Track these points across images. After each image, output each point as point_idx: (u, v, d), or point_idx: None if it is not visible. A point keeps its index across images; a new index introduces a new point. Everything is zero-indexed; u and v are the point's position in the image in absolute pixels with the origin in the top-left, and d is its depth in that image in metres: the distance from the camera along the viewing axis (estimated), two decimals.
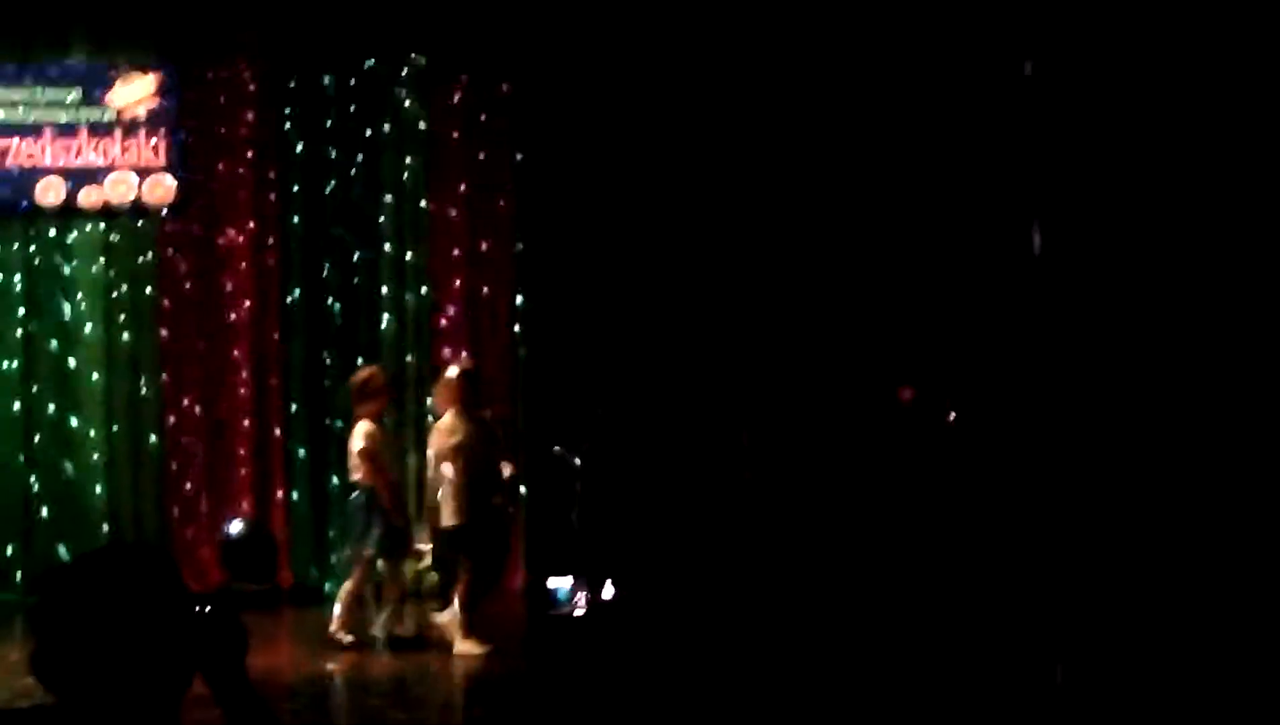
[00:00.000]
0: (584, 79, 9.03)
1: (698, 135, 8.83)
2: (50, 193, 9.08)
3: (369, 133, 9.40)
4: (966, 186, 8.43)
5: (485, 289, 9.45)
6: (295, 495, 9.30)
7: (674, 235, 8.91)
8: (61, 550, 8.98)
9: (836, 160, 8.70)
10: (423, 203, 9.45)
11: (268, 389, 9.32)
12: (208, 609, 2.44)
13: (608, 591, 7.88)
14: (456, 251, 9.45)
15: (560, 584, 8.07)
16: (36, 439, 9.20)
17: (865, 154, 8.66)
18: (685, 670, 6.27)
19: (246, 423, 9.27)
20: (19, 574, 9.04)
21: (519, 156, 9.35)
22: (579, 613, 7.94)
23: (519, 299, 9.42)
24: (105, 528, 9.03)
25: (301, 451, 9.31)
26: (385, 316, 9.39)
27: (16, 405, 9.16)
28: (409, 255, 9.42)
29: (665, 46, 8.82)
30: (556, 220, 9.20)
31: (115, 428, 9.22)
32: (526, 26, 9.13)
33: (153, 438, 9.26)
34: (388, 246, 9.42)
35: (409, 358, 9.38)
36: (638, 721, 5.22)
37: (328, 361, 9.35)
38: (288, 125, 9.35)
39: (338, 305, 9.40)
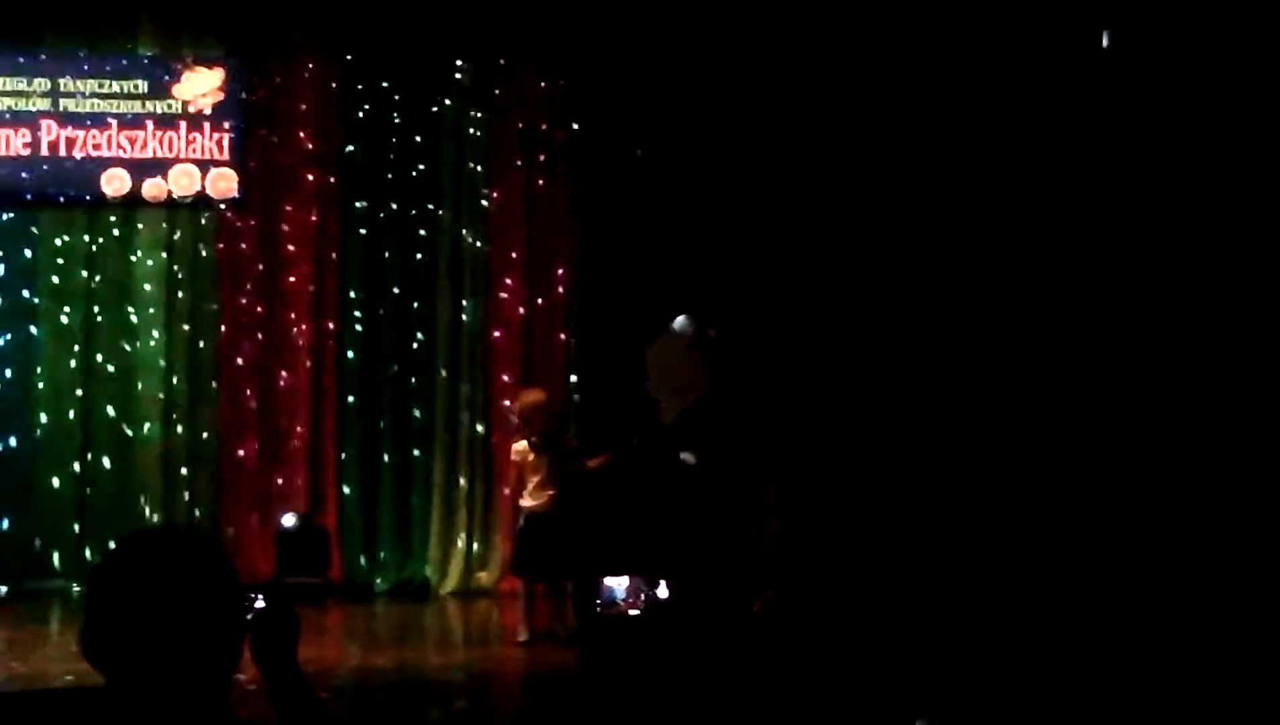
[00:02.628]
0: (643, 76, 9.02)
1: (763, 136, 8.78)
2: (114, 184, 9.16)
3: (430, 126, 9.43)
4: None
5: (541, 294, 9.48)
6: (347, 491, 9.33)
7: (738, 241, 8.87)
8: (111, 536, 9.06)
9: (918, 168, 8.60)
10: (483, 201, 9.48)
11: (323, 384, 9.36)
12: (259, 598, 2.45)
13: (663, 591, 7.87)
14: (515, 253, 9.47)
15: (615, 583, 8.07)
16: (94, 429, 9.27)
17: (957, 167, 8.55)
18: (735, 672, 6.23)
19: (301, 417, 9.31)
20: (74, 566, 9.11)
21: (574, 148, 9.38)
22: (634, 612, 7.92)
23: (575, 301, 9.45)
24: (159, 519, 9.09)
25: (353, 448, 9.35)
26: (442, 314, 9.42)
27: (78, 393, 9.23)
28: (467, 252, 9.45)
29: (728, 43, 8.79)
30: (615, 215, 9.21)
31: (174, 418, 9.30)
32: (587, 21, 9.12)
33: (208, 430, 9.32)
34: (447, 242, 9.45)
35: (464, 360, 9.41)
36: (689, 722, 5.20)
37: (383, 358, 9.40)
38: (349, 119, 9.38)
39: (396, 300, 9.43)
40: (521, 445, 7.66)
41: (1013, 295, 8.21)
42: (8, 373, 9.20)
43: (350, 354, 9.40)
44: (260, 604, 2.45)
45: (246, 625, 2.20)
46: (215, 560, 2.06)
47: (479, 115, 9.45)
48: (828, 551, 7.47)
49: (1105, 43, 7.36)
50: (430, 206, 9.46)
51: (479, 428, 9.41)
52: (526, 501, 7.63)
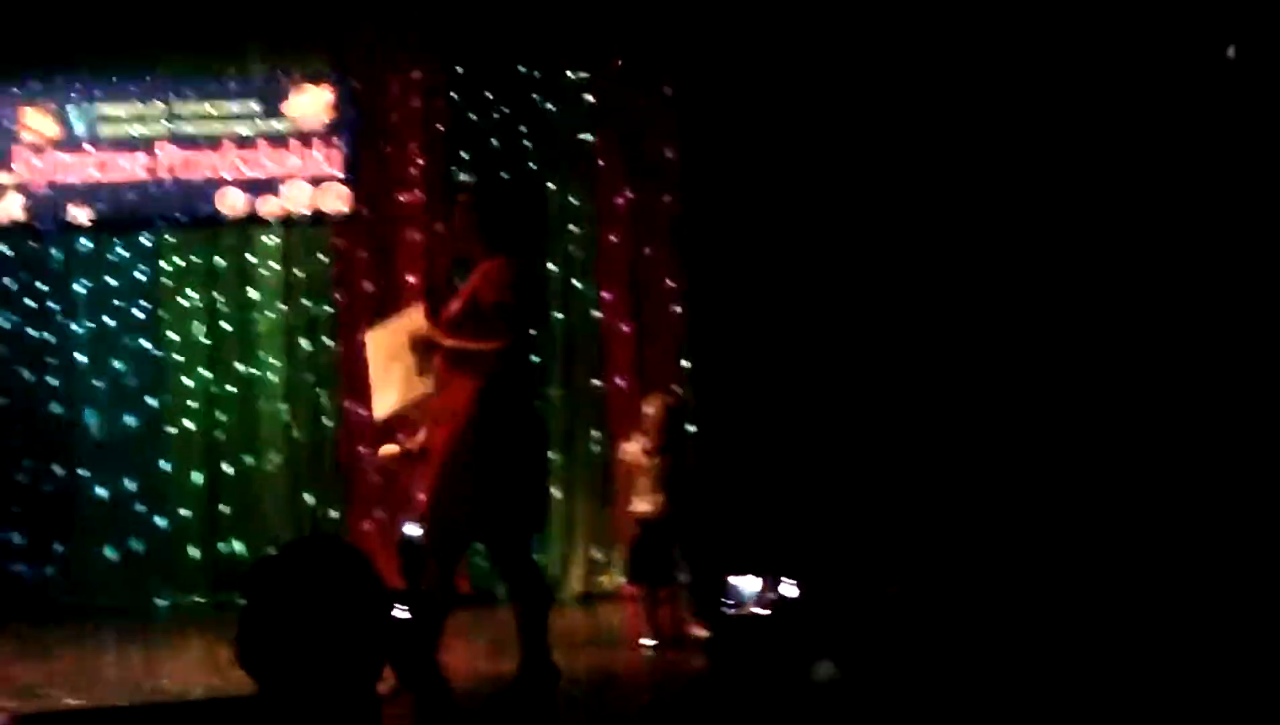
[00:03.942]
0: (748, 76, 8.99)
1: (871, 136, 8.73)
2: (230, 203, 9.33)
3: (537, 137, 9.49)
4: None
5: (651, 293, 9.49)
6: None
7: (849, 238, 8.82)
8: (240, 548, 9.24)
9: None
10: (589, 208, 9.53)
11: None
12: (400, 605, 2.48)
13: (791, 589, 7.82)
14: (621, 257, 9.51)
15: (742, 583, 8.04)
16: (219, 445, 9.45)
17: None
18: (866, 668, 6.16)
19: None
20: (204, 580, 9.29)
21: (680, 158, 9.38)
22: (762, 611, 7.89)
23: (684, 300, 9.45)
24: (286, 532, 9.23)
25: None
26: (554, 320, 9.47)
27: (196, 412, 9.42)
28: (576, 261, 9.51)
29: (834, 42, 8.74)
30: (722, 218, 9.19)
31: (294, 433, 9.44)
32: (692, 24, 9.12)
33: (329, 443, 9.45)
34: (559, 245, 9.53)
35: (579, 365, 9.48)
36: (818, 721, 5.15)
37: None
38: (457, 131, 9.47)
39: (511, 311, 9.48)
40: (634, 447, 7.66)
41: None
42: (134, 390, 9.41)
43: None
44: (400, 612, 2.48)
45: (390, 633, 2.22)
46: (363, 569, 2.09)
47: (585, 129, 9.48)
48: (955, 545, 7.39)
49: (1230, 54, 7.25)
50: (538, 213, 9.51)
51: (596, 432, 9.45)
52: (640, 506, 7.62)
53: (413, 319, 5.84)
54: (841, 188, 8.86)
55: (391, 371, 5.75)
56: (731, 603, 8.01)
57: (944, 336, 8.69)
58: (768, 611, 7.82)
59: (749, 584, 8.00)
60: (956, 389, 8.60)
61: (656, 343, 9.48)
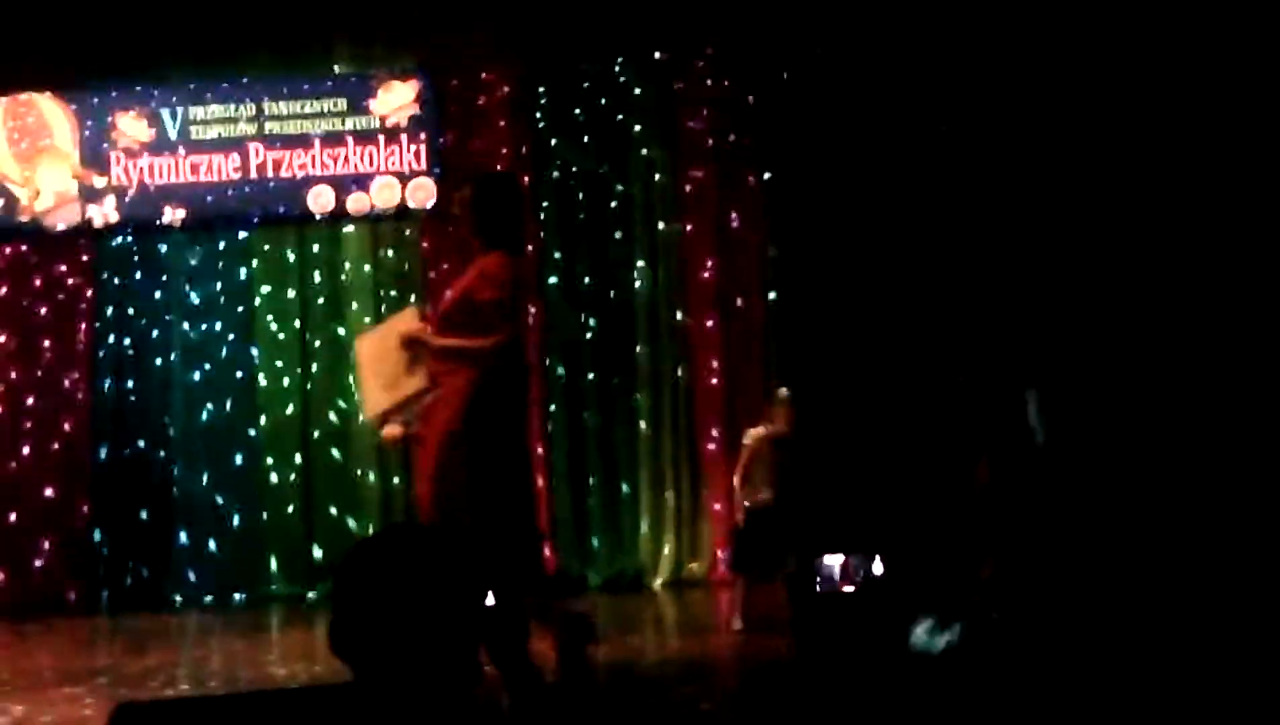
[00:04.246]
0: (830, 78, 9.00)
1: (952, 136, 8.70)
2: (320, 200, 9.46)
3: (619, 132, 9.53)
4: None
5: (737, 290, 9.51)
6: (557, 488, 9.48)
7: (930, 237, 8.80)
8: (335, 539, 9.38)
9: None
10: (672, 203, 9.56)
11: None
12: (492, 590, 2.51)
13: (878, 567, 7.80)
14: (709, 261, 9.52)
15: (830, 561, 8.03)
16: (312, 438, 9.61)
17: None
18: (956, 649, 6.14)
19: None
20: (300, 569, 9.45)
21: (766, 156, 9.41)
22: (849, 589, 7.88)
23: (771, 295, 9.46)
24: (378, 524, 9.35)
25: (561, 446, 9.50)
26: (639, 316, 9.54)
27: (290, 408, 9.58)
28: (660, 255, 9.55)
29: (915, 45, 8.73)
30: (807, 226, 9.21)
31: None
32: (774, 25, 9.13)
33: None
34: (642, 235, 9.57)
35: (665, 353, 9.52)
36: (907, 701, 5.15)
37: (584, 356, 9.53)
38: (540, 126, 9.53)
39: (593, 302, 9.57)
40: (759, 431, 7.67)
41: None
42: (229, 387, 9.59)
43: (552, 354, 9.54)
44: (492, 600, 2.52)
45: (483, 618, 2.26)
46: (456, 555, 2.12)
47: (668, 113, 9.51)
48: (1048, 525, 7.33)
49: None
50: (620, 204, 9.57)
51: (682, 420, 9.49)
52: (758, 494, 7.63)
53: (404, 320, 5.83)
54: (930, 178, 8.84)
55: (380, 372, 5.68)
56: (820, 581, 8.00)
57: (1029, 313, 8.63)
58: (853, 589, 7.80)
59: (836, 562, 7.98)
60: (1044, 364, 8.53)
61: (742, 339, 9.47)
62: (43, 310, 9.61)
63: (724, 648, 7.46)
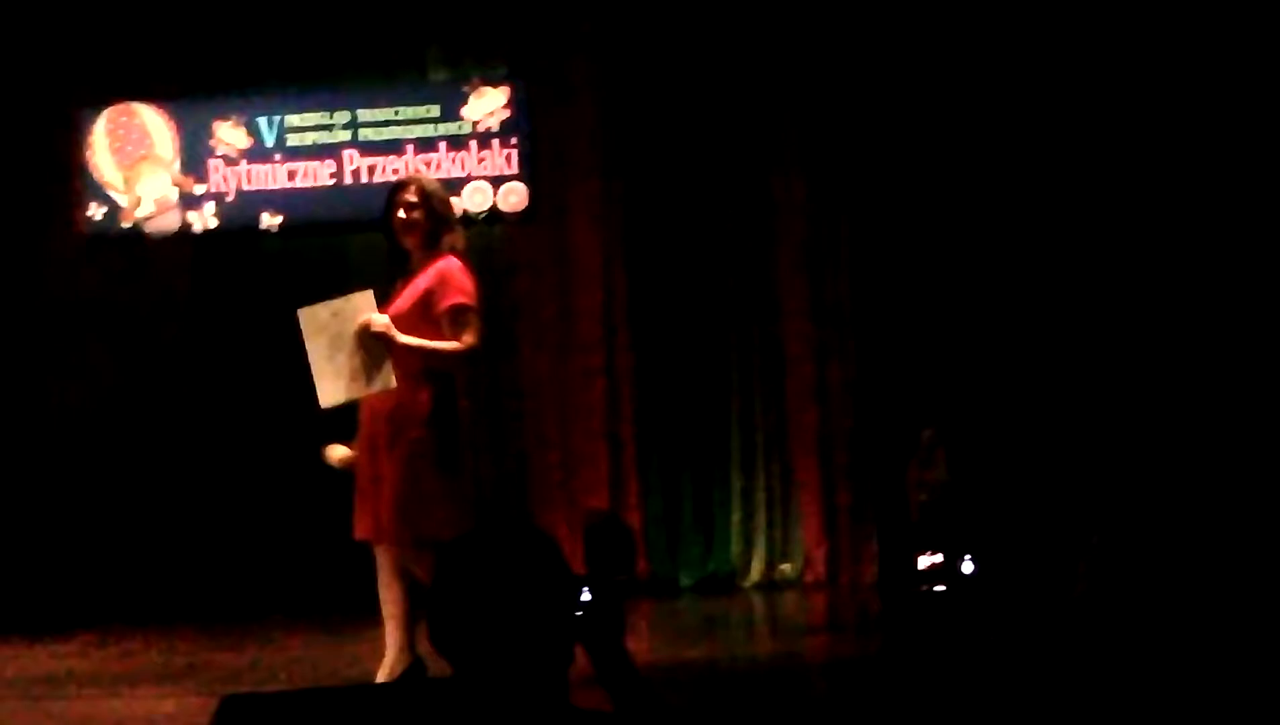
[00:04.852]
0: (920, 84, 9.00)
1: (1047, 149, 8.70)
2: None
3: (709, 137, 9.55)
4: None
5: (828, 297, 9.45)
6: (649, 492, 9.53)
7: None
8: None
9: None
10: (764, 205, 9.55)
11: (619, 389, 9.57)
12: (590, 590, 2.55)
13: (968, 566, 7.77)
14: (799, 260, 9.49)
15: (921, 561, 8.02)
16: None
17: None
18: (1043, 649, 6.12)
19: (598, 419, 9.54)
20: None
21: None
22: (940, 589, 7.87)
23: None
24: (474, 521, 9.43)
25: (652, 445, 9.54)
26: (731, 316, 9.55)
27: None
28: (751, 260, 9.56)
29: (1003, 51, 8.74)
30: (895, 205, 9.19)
31: (475, 425, 9.62)
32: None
33: (509, 431, 9.64)
34: (731, 248, 9.57)
35: (755, 347, 9.52)
36: (998, 700, 5.14)
37: (674, 359, 9.56)
38: (633, 127, 9.58)
39: (683, 300, 9.60)
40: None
41: None
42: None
43: (644, 358, 9.58)
44: (588, 597, 2.55)
45: (580, 617, 2.30)
46: (551, 552, 2.16)
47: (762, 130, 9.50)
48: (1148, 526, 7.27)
49: None
50: (714, 210, 9.58)
51: (774, 412, 9.47)
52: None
53: (357, 306, 5.58)
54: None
55: (336, 361, 5.51)
56: (912, 580, 7.99)
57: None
58: (944, 588, 7.79)
59: (927, 561, 7.97)
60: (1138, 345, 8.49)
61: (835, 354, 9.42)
62: (144, 314, 9.79)
63: (815, 649, 7.46)
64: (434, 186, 5.93)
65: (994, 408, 8.77)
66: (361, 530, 5.73)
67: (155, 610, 9.05)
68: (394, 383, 5.46)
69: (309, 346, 5.62)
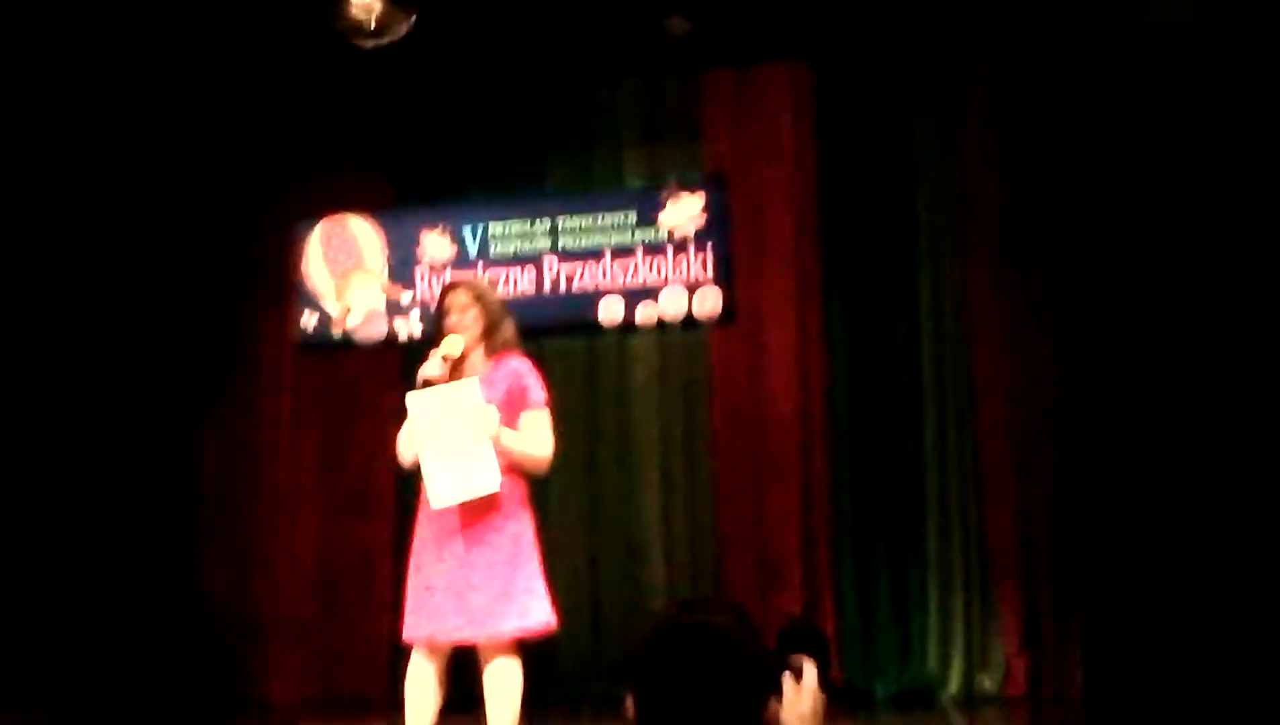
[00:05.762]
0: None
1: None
2: (610, 312, 9.73)
3: (905, 232, 9.55)
4: None
5: (1029, 387, 9.24)
6: (844, 597, 9.37)
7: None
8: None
9: None
10: (957, 292, 9.48)
11: (813, 491, 9.46)
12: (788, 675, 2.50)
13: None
14: (999, 364, 9.33)
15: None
16: (600, 547, 9.76)
17: None
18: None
19: (793, 526, 9.42)
20: (583, 661, 9.51)
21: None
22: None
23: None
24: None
25: (848, 552, 9.39)
26: (929, 413, 9.40)
27: (585, 515, 9.76)
28: (949, 355, 9.44)
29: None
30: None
31: (673, 535, 9.65)
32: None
33: (707, 551, 9.61)
34: (929, 345, 9.49)
35: (955, 462, 9.34)
36: None
37: (871, 465, 9.44)
38: (825, 234, 9.63)
39: (880, 408, 9.50)
40: None
41: None
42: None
43: (841, 460, 9.48)
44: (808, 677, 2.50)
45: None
46: (753, 639, 2.12)
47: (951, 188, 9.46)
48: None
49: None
50: (909, 306, 9.54)
51: (972, 511, 9.24)
52: None
53: (463, 395, 5.47)
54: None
55: (445, 455, 5.44)
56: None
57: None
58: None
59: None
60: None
61: (1032, 421, 9.20)
62: (354, 421, 10.08)
63: None
64: (484, 287, 6.01)
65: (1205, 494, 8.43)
66: (434, 627, 5.54)
67: None
68: (498, 484, 5.44)
69: (417, 434, 5.57)
